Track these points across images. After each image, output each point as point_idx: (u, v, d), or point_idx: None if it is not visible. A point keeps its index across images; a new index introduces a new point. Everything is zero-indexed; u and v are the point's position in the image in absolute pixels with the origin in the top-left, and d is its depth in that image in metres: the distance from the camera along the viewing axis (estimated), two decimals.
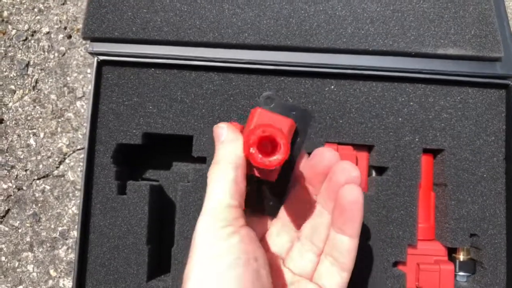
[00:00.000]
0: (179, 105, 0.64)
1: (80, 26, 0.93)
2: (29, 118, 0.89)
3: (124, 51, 0.63)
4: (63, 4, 0.93)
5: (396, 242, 0.62)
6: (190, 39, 0.63)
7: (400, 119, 0.64)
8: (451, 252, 0.64)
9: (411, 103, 0.64)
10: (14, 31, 0.92)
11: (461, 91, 0.64)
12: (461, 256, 0.63)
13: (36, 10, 0.92)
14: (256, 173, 0.44)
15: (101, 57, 0.64)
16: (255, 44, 0.63)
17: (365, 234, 0.62)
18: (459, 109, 0.64)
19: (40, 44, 0.91)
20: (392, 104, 0.64)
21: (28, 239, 0.86)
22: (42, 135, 0.88)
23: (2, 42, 0.91)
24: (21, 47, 0.91)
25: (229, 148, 0.41)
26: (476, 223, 0.62)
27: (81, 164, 0.88)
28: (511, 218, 0.61)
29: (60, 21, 0.92)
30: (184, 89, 0.64)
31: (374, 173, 0.67)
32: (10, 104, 0.89)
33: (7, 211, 0.87)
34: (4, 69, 0.90)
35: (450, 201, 0.62)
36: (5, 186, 0.87)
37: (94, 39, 0.64)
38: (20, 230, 0.86)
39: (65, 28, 0.92)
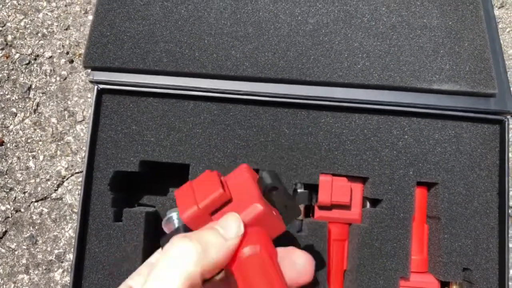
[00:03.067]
0: (177, 134, 0.65)
1: (82, 51, 0.95)
2: (29, 140, 0.90)
3: (124, 81, 0.65)
4: (66, 29, 0.95)
5: (388, 274, 0.62)
6: (190, 70, 0.64)
7: (395, 152, 0.64)
8: (444, 286, 0.64)
9: (406, 137, 0.65)
10: (17, 55, 0.93)
11: (455, 125, 0.65)
12: None
13: (39, 34, 0.94)
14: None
15: (101, 86, 0.65)
16: (253, 76, 0.64)
17: (358, 266, 0.62)
18: (453, 143, 0.65)
19: (43, 68, 0.93)
20: (387, 137, 0.65)
21: (24, 261, 0.86)
22: (41, 158, 0.89)
23: (5, 66, 0.92)
24: (23, 71, 0.92)
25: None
26: (469, 257, 0.62)
27: (79, 187, 0.89)
28: (503, 253, 0.61)
29: (62, 46, 0.94)
30: (182, 118, 0.65)
31: (368, 205, 0.67)
32: (11, 127, 0.90)
33: (4, 233, 0.87)
34: (6, 92, 0.91)
35: (443, 234, 0.63)
36: (3, 208, 0.88)
37: (95, 68, 0.65)
38: (16, 252, 0.87)
39: (67, 53, 0.93)
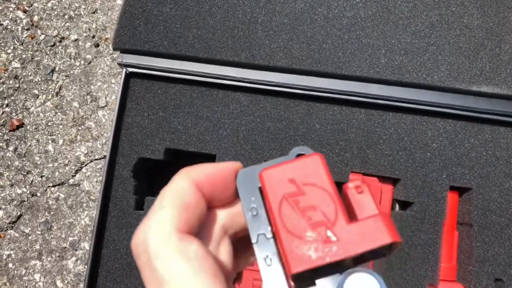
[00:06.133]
0: (204, 123, 0.63)
1: (108, 35, 0.93)
2: (49, 124, 0.88)
3: (154, 65, 0.63)
4: (94, 12, 0.93)
5: (416, 280, 0.60)
6: (222, 57, 0.62)
7: (428, 154, 0.62)
8: None
9: (441, 139, 0.62)
10: (42, 36, 0.92)
11: (492, 129, 0.63)
12: None
13: (66, 17, 0.92)
14: None
15: (130, 69, 0.63)
16: (287, 67, 0.62)
17: (385, 270, 0.60)
18: (489, 148, 0.62)
19: (67, 50, 0.91)
20: (421, 138, 0.62)
21: (37, 247, 0.85)
22: (61, 142, 0.87)
23: (30, 46, 0.91)
24: (48, 53, 0.91)
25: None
26: (502, 267, 0.60)
27: (97, 174, 0.87)
28: None
29: (89, 29, 0.92)
30: (210, 107, 0.63)
31: (397, 207, 0.65)
32: (32, 109, 0.89)
33: (19, 217, 0.86)
34: (29, 73, 0.90)
35: (476, 242, 0.60)
36: (19, 191, 0.86)
37: (124, 51, 0.63)
38: (30, 237, 0.85)
39: (93, 36, 0.92)
